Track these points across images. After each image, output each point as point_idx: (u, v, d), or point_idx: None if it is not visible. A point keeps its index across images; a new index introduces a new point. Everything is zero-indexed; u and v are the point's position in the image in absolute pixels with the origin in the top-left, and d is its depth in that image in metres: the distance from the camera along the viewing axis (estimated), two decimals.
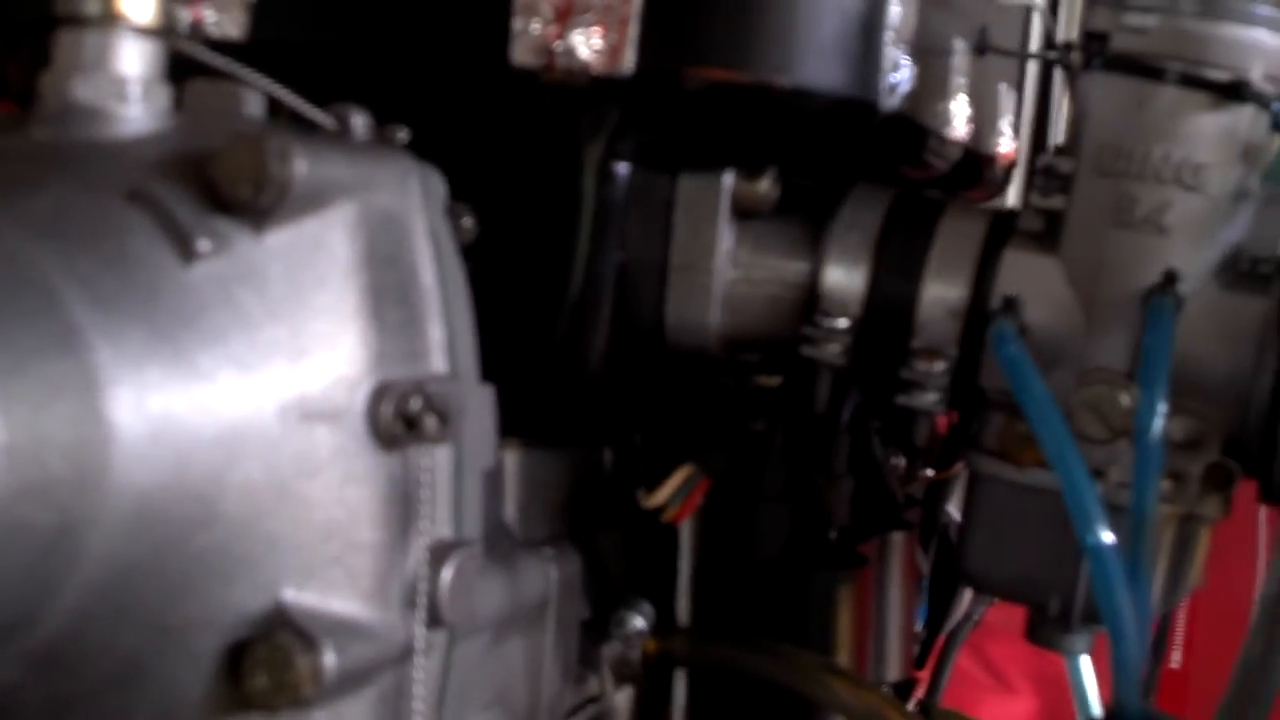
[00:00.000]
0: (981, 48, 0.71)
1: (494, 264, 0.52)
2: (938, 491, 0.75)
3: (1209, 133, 0.55)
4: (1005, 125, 0.81)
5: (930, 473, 0.77)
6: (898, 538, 0.70)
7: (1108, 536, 0.47)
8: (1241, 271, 0.56)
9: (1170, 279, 0.54)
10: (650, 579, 0.61)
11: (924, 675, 0.81)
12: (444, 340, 0.45)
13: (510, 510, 0.55)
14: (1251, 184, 0.57)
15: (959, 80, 0.68)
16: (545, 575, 0.54)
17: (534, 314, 0.55)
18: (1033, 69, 0.89)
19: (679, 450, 0.61)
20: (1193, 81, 0.54)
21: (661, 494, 0.58)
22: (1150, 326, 0.52)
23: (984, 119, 0.76)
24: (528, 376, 0.55)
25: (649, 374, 0.60)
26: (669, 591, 0.61)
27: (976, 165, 0.76)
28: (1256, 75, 0.55)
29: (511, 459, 0.56)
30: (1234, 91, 0.54)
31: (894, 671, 0.68)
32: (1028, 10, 0.79)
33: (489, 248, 0.52)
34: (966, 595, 0.81)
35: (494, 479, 0.55)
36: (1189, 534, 0.55)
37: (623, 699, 0.58)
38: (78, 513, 0.34)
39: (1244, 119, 0.55)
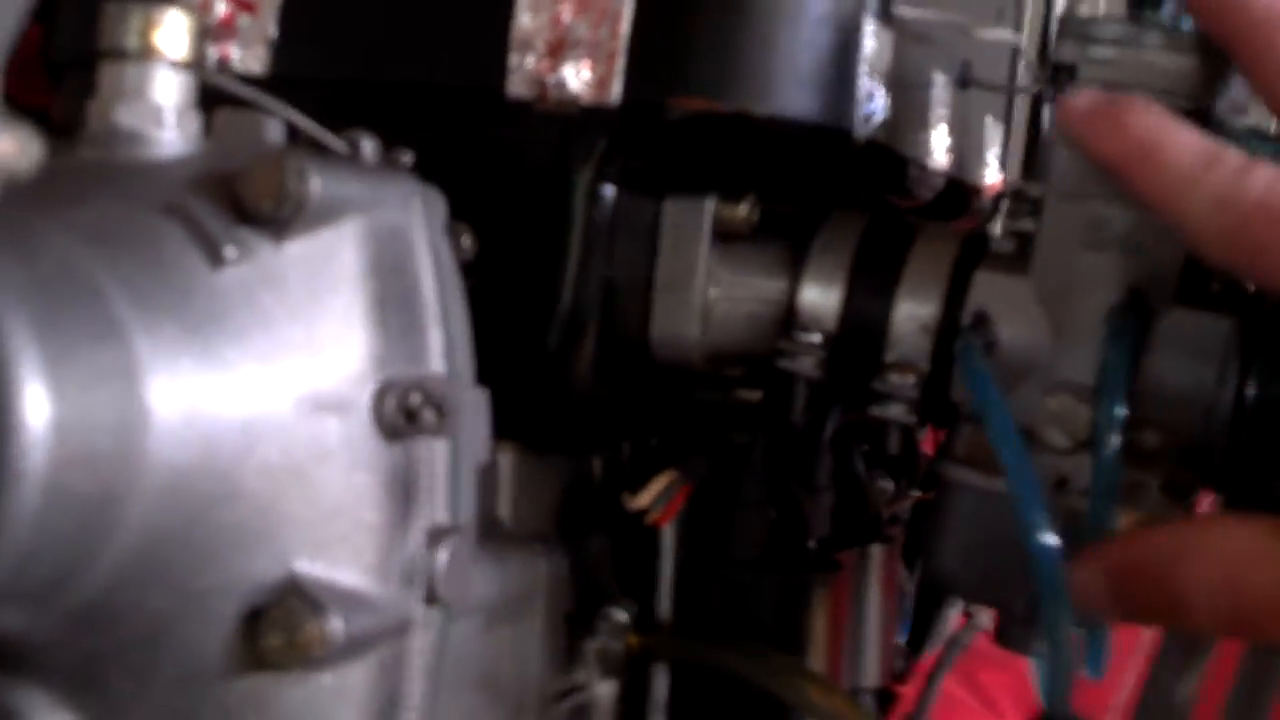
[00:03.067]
0: (964, 81, 0.79)
1: (492, 281, 0.60)
2: (923, 511, 0.82)
3: None
4: (991, 156, 0.89)
5: (917, 493, 0.84)
6: (877, 550, 0.77)
7: (1050, 540, 0.53)
8: (1207, 289, 0.61)
9: (1135, 296, 0.59)
10: (635, 579, 0.68)
11: (910, 695, 0.88)
12: (442, 345, 0.52)
13: (504, 507, 0.63)
14: None
15: (939, 112, 0.75)
16: (534, 568, 0.61)
17: (527, 327, 0.62)
18: (1024, 102, 0.97)
19: (664, 459, 0.68)
20: None
21: (645, 497, 0.65)
22: (1111, 341, 0.57)
23: (969, 150, 0.83)
24: (522, 385, 0.63)
25: (636, 387, 0.68)
26: (652, 591, 0.68)
27: (963, 195, 0.83)
28: (1220, 105, 0.61)
29: (506, 460, 0.64)
30: (1196, 120, 0.60)
31: (870, 679, 0.75)
32: (1015, 46, 0.87)
33: (487, 266, 0.60)
34: (951, 616, 0.88)
35: (489, 476, 0.62)
36: None
37: (606, 690, 0.65)
38: (118, 485, 0.42)
39: None
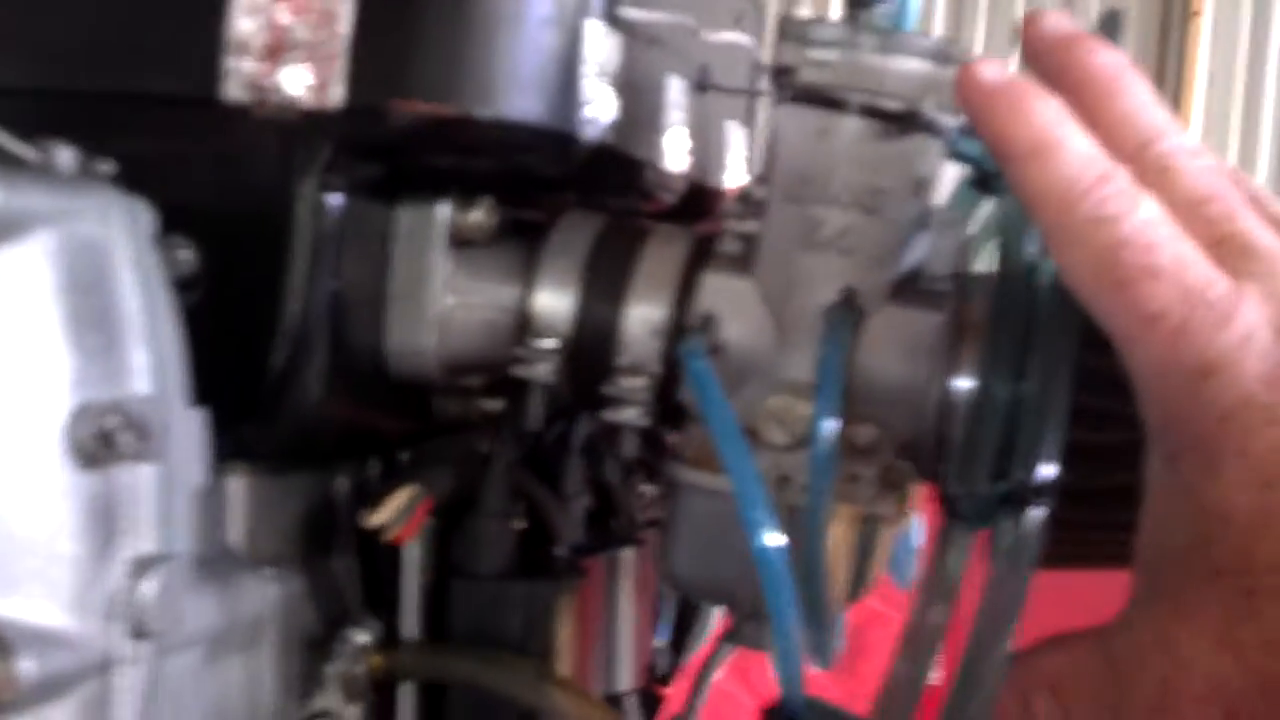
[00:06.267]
0: (702, 85, 0.79)
1: (216, 296, 0.57)
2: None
3: (887, 160, 0.62)
4: (733, 159, 0.90)
5: None
6: (629, 554, 0.76)
7: (773, 539, 0.53)
8: (918, 290, 0.62)
9: (849, 296, 0.60)
10: (384, 598, 0.66)
11: (678, 695, 0.88)
12: (148, 364, 0.49)
13: (236, 531, 0.60)
14: (928, 208, 0.65)
15: (675, 115, 0.75)
16: (265, 594, 0.59)
17: (251, 345, 0.59)
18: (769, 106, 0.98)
19: (408, 473, 0.66)
20: (871, 111, 0.61)
21: (383, 513, 0.63)
22: (825, 339, 0.58)
23: (710, 153, 0.84)
24: (250, 405, 0.60)
25: (373, 401, 0.65)
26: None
27: (704, 198, 0.84)
28: (929, 105, 0.62)
29: (238, 483, 0.61)
30: (908, 121, 0.62)
31: (625, 682, 0.74)
32: (752, 50, 0.88)
33: (211, 281, 0.57)
34: (716, 614, 0.88)
35: (215, 502, 0.59)
36: (868, 533, 0.61)
37: (352, 715, 0.63)
38: None
39: (918, 147, 0.62)
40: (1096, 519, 0.57)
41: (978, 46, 3.95)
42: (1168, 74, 3.76)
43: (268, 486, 0.63)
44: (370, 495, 0.67)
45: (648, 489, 0.87)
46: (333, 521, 0.67)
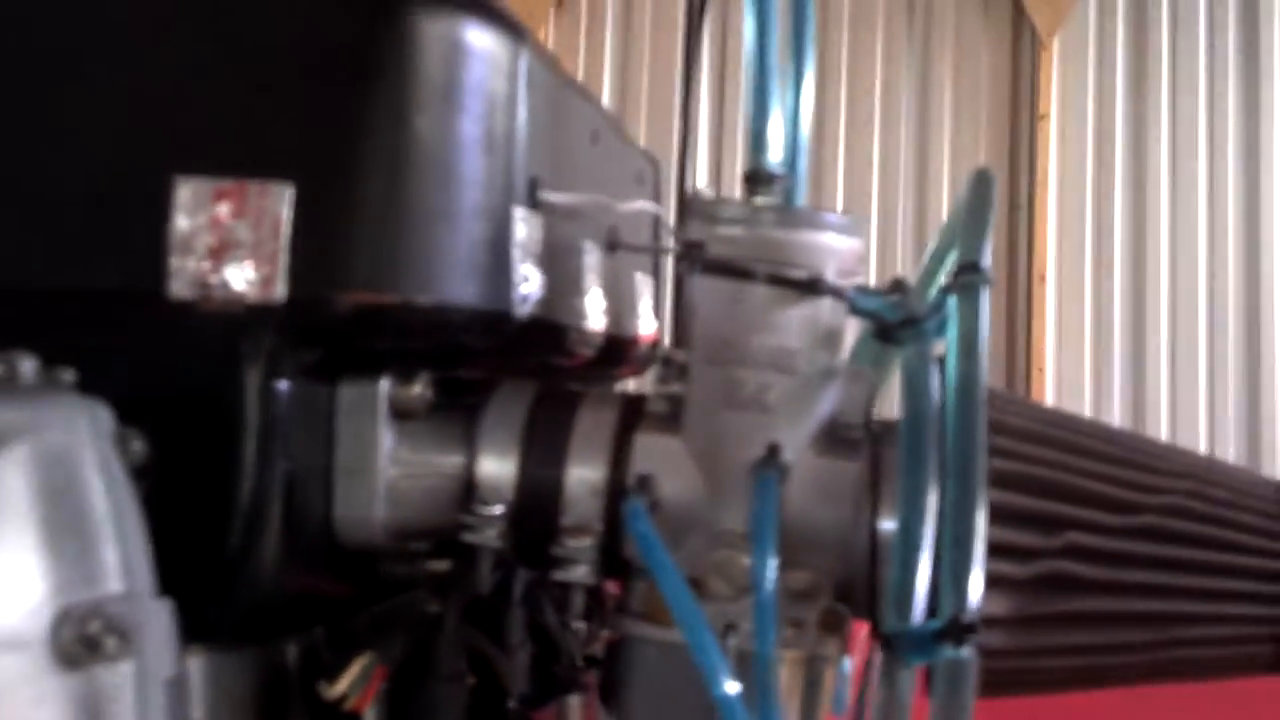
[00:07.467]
0: (613, 245, 0.84)
1: (169, 483, 0.59)
2: (614, 651, 0.84)
3: (795, 322, 0.66)
4: (644, 308, 0.94)
5: (606, 633, 0.86)
6: (574, 699, 0.78)
7: (732, 687, 0.56)
8: (836, 439, 0.67)
9: (773, 451, 0.64)
10: None
11: None
12: (119, 562, 0.51)
13: (198, 710, 0.61)
14: (837, 363, 0.69)
15: (591, 277, 0.80)
16: None
17: (207, 528, 0.61)
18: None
19: (359, 638, 0.68)
20: (778, 280, 0.66)
21: (341, 684, 0.65)
22: (757, 494, 0.62)
23: (623, 306, 0.88)
24: (206, 587, 0.62)
25: (322, 571, 0.67)
26: None
27: (620, 347, 0.88)
28: (830, 272, 0.67)
29: (195, 664, 0.62)
30: (812, 287, 0.66)
31: None
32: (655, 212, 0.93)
33: (163, 468, 0.59)
34: None
35: (179, 685, 0.60)
36: (814, 674, 0.64)
37: None
38: None
39: (824, 309, 0.67)
40: (1040, 645, 0.61)
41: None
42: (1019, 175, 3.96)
43: (224, 664, 0.64)
44: (320, 662, 0.69)
45: (579, 626, 0.89)
46: (285, 690, 0.69)
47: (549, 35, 4.13)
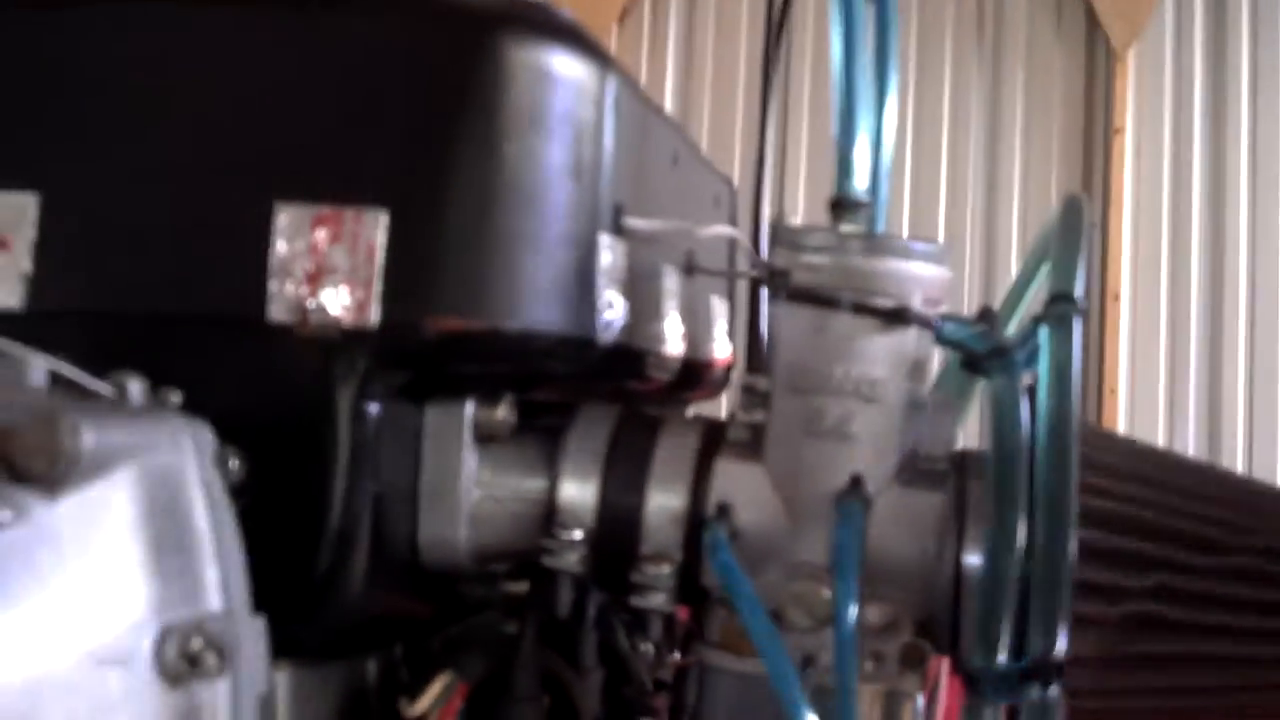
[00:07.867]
0: (690, 269, 0.85)
1: (262, 502, 0.61)
2: (684, 676, 0.85)
3: (881, 352, 0.66)
4: (719, 332, 0.95)
5: (677, 657, 0.87)
6: None
7: (810, 717, 0.57)
8: (919, 470, 0.67)
9: (856, 482, 0.64)
10: None
11: None
12: (219, 580, 0.53)
13: None
14: (922, 393, 0.69)
15: (670, 302, 0.81)
16: None
17: (298, 546, 0.63)
18: (743, 284, 1.04)
19: (438, 657, 0.69)
20: (863, 309, 0.66)
21: (422, 703, 0.66)
22: (840, 526, 0.62)
23: (699, 330, 0.89)
24: (294, 604, 0.63)
25: (407, 589, 0.69)
26: None
27: (696, 371, 0.89)
28: (916, 301, 0.67)
29: (283, 678, 0.64)
30: (898, 316, 0.66)
31: None
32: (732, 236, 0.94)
33: (258, 487, 0.61)
34: None
35: (269, 701, 0.62)
36: (893, 709, 0.65)
37: None
38: None
39: (910, 338, 0.67)
40: (1126, 686, 0.61)
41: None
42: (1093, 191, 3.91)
43: (308, 679, 0.66)
44: (399, 679, 0.70)
45: (648, 648, 0.90)
46: (366, 706, 0.70)
47: (611, 50, 4.13)
